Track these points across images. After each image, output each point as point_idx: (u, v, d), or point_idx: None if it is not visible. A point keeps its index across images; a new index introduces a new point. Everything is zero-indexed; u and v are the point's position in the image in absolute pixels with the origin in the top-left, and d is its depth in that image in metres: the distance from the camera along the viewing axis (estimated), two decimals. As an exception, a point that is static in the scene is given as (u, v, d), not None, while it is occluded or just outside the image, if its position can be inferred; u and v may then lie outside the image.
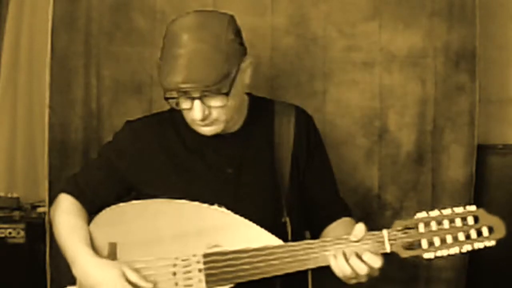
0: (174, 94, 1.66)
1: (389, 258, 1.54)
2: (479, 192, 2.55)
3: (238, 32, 1.70)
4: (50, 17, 2.40)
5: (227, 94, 1.65)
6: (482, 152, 2.59)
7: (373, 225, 1.58)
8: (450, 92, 2.50)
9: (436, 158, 2.51)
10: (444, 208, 1.50)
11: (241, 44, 1.71)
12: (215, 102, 1.66)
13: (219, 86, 1.63)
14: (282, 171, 1.75)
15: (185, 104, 1.67)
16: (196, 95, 1.63)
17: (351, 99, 2.49)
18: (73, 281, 1.73)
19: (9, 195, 2.74)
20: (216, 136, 1.75)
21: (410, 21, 2.48)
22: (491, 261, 2.29)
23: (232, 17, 1.71)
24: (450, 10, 2.48)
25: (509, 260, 2.39)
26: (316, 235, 1.82)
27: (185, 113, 1.71)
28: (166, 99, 1.68)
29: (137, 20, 2.44)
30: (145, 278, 1.63)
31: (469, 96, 2.49)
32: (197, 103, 1.64)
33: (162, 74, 1.64)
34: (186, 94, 1.64)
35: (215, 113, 1.68)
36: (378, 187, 2.51)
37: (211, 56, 1.62)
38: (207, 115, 1.67)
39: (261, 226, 1.62)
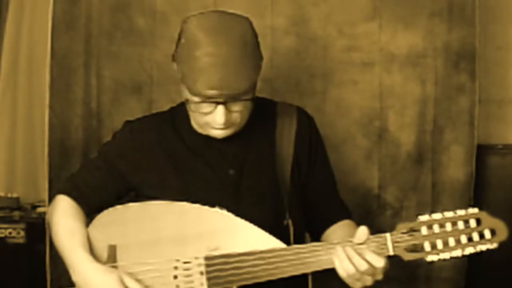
0: (197, 99, 1.62)
1: (389, 257, 1.54)
2: (479, 192, 2.55)
3: (257, 36, 1.69)
4: (50, 17, 2.41)
5: (252, 99, 1.65)
6: (482, 152, 2.59)
7: (373, 225, 1.58)
8: (450, 92, 2.50)
9: (436, 158, 2.51)
10: (446, 209, 1.50)
11: (259, 48, 1.69)
12: (237, 107, 1.64)
13: (247, 93, 1.62)
14: (283, 172, 1.74)
15: (206, 108, 1.64)
16: (221, 100, 1.60)
17: (351, 99, 2.49)
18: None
19: (9, 195, 2.74)
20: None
21: (410, 21, 2.48)
22: (491, 261, 2.28)
23: (249, 19, 1.68)
24: (450, 10, 2.48)
25: (509, 260, 2.39)
26: (316, 237, 1.81)
27: (198, 116, 1.67)
28: (187, 102, 1.65)
29: (137, 20, 2.44)
30: (144, 282, 1.62)
31: (469, 96, 2.49)
32: (220, 108, 1.61)
33: (189, 79, 1.60)
34: (211, 99, 1.60)
35: (234, 117, 1.66)
36: (378, 187, 2.51)
37: (241, 62, 1.59)
38: (228, 120, 1.65)
39: (263, 228, 1.60)
